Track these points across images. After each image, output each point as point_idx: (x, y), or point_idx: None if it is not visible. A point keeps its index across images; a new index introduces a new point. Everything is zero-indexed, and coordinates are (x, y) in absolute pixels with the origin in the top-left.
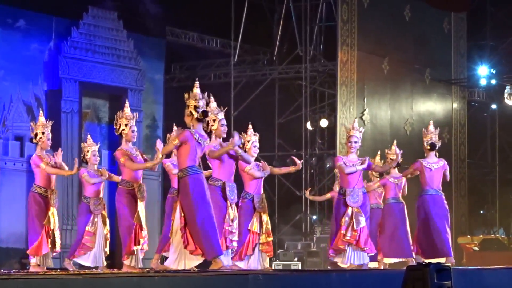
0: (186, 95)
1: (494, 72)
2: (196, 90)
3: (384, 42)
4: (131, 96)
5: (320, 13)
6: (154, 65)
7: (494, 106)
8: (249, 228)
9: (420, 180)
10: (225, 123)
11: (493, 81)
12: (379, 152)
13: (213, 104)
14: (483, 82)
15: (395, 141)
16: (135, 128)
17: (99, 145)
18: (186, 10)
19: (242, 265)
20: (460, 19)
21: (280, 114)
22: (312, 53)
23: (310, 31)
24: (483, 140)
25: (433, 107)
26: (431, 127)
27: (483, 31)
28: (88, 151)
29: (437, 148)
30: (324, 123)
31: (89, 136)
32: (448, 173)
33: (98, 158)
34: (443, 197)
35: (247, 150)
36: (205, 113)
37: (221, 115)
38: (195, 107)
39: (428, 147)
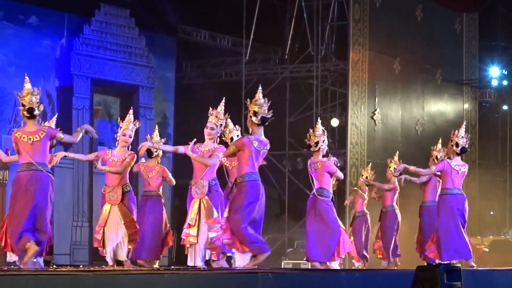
0: (248, 100)
1: (506, 73)
2: (259, 95)
3: (396, 42)
4: (142, 94)
5: (332, 13)
6: (165, 63)
7: (505, 107)
8: None
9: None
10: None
11: (505, 82)
12: (370, 165)
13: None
14: (494, 83)
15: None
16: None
17: None
18: (197, 8)
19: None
20: (471, 20)
21: (291, 113)
22: (323, 52)
23: (321, 30)
24: (494, 141)
25: (444, 107)
26: (462, 131)
27: (495, 32)
28: None
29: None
30: (335, 122)
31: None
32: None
33: None
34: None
35: None
36: (264, 119)
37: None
38: (255, 113)
39: (459, 151)
